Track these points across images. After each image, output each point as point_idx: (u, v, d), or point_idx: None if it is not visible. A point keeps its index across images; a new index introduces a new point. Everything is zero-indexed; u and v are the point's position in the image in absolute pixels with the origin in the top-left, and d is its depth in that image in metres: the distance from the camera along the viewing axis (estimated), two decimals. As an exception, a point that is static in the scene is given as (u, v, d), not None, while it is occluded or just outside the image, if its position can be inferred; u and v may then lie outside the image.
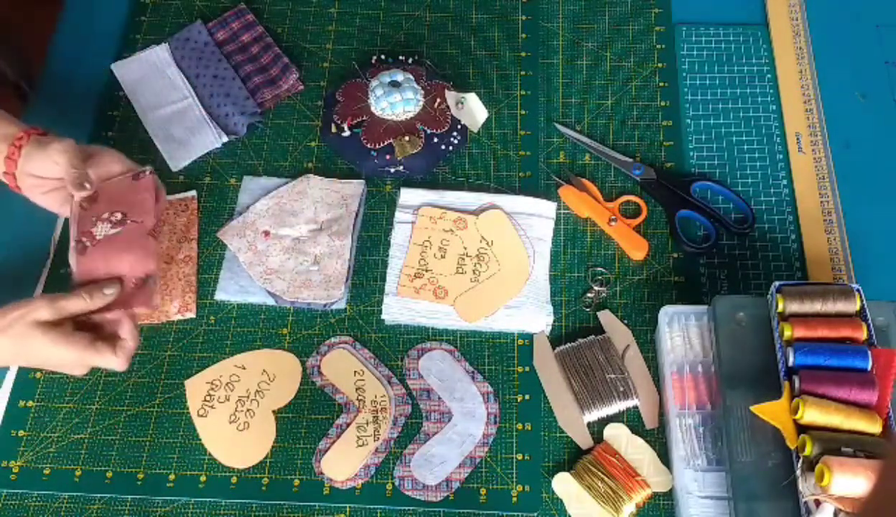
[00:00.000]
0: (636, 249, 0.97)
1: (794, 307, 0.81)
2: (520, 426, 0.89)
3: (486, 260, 0.96)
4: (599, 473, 0.84)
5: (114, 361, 0.82)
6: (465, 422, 0.88)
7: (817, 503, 0.72)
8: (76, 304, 0.81)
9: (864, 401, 0.75)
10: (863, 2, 1.13)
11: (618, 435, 0.87)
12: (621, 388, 0.88)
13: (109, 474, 0.87)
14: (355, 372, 0.91)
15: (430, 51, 1.11)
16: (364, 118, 1.03)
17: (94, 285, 0.83)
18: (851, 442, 0.73)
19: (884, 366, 0.77)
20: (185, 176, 1.03)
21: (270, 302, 0.95)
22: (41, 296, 0.82)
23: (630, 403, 0.88)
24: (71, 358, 0.80)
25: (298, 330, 0.94)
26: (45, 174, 0.88)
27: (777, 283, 0.82)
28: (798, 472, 0.74)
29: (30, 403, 0.91)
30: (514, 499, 0.85)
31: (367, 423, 0.88)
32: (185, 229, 0.99)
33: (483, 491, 0.86)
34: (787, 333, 0.79)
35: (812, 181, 1.01)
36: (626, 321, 0.93)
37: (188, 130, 1.05)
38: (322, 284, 0.94)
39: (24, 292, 0.96)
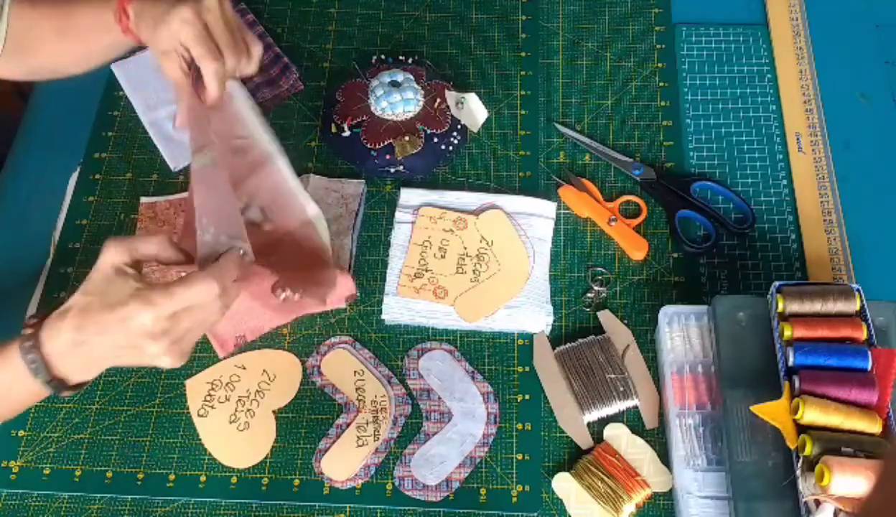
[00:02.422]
0: (636, 249, 0.97)
1: (794, 307, 0.81)
2: (520, 426, 0.89)
3: (486, 260, 0.96)
4: (599, 473, 0.84)
5: (207, 285, 0.67)
6: (465, 422, 0.88)
7: (817, 503, 0.72)
8: (147, 246, 0.70)
9: (864, 402, 0.76)
10: (863, 2, 1.13)
11: (618, 435, 0.87)
12: (621, 388, 0.88)
13: (109, 474, 0.87)
14: (355, 372, 0.91)
15: (430, 51, 1.11)
16: (364, 118, 1.03)
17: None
18: (851, 442, 0.73)
19: (884, 366, 0.77)
20: (185, 176, 1.03)
21: (270, 302, 0.95)
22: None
23: (630, 403, 0.88)
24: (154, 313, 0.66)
25: (298, 330, 0.94)
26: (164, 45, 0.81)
27: (777, 283, 0.82)
28: (798, 472, 0.74)
29: (30, 403, 0.91)
30: (515, 499, 0.85)
31: (367, 423, 0.88)
32: (185, 229, 0.99)
33: (483, 491, 0.86)
34: (787, 333, 0.79)
35: (812, 181, 1.01)
36: (626, 321, 0.93)
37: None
38: (322, 284, 0.94)
39: (24, 292, 0.96)
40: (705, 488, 0.82)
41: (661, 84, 1.08)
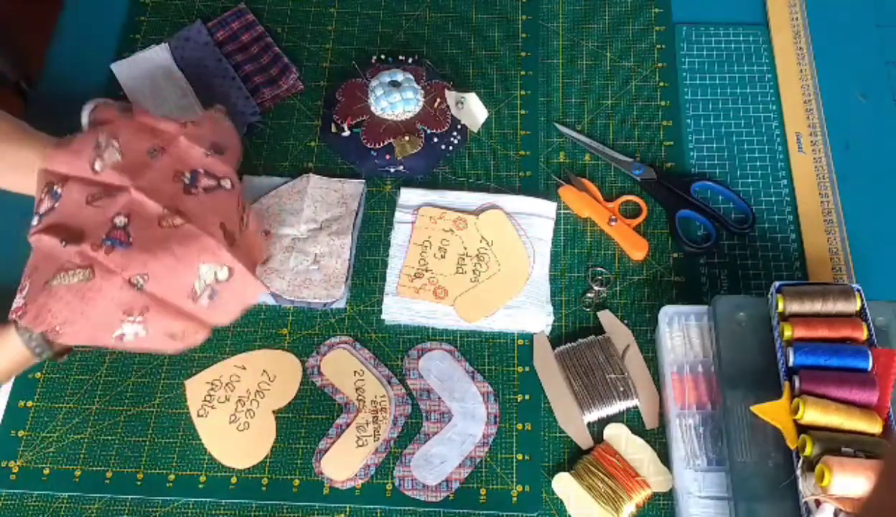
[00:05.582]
0: (636, 249, 0.96)
1: (795, 307, 0.81)
2: (520, 426, 0.89)
3: (486, 260, 0.96)
4: (599, 473, 0.84)
5: None
6: (465, 422, 0.88)
7: (817, 503, 0.72)
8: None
9: (865, 402, 0.75)
10: (863, 2, 1.13)
11: (618, 435, 0.87)
12: (621, 388, 0.88)
13: (109, 474, 0.87)
14: (355, 372, 0.91)
15: (430, 51, 1.11)
16: (364, 118, 1.02)
17: None
18: (851, 442, 0.73)
19: (884, 366, 0.77)
20: (185, 176, 1.03)
21: (270, 301, 0.95)
22: None
23: (630, 403, 0.88)
24: None
25: (298, 330, 0.94)
26: None
27: (777, 283, 0.82)
28: (798, 472, 0.74)
29: (30, 403, 0.91)
30: (514, 500, 0.85)
31: (367, 423, 0.88)
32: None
33: (483, 491, 0.86)
34: (788, 333, 0.79)
35: (812, 181, 1.01)
36: (626, 321, 0.93)
37: (188, 130, 1.04)
38: (322, 283, 0.94)
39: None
40: (705, 488, 0.82)
41: (662, 84, 1.08)
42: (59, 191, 0.82)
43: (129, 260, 0.77)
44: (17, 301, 0.79)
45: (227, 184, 0.85)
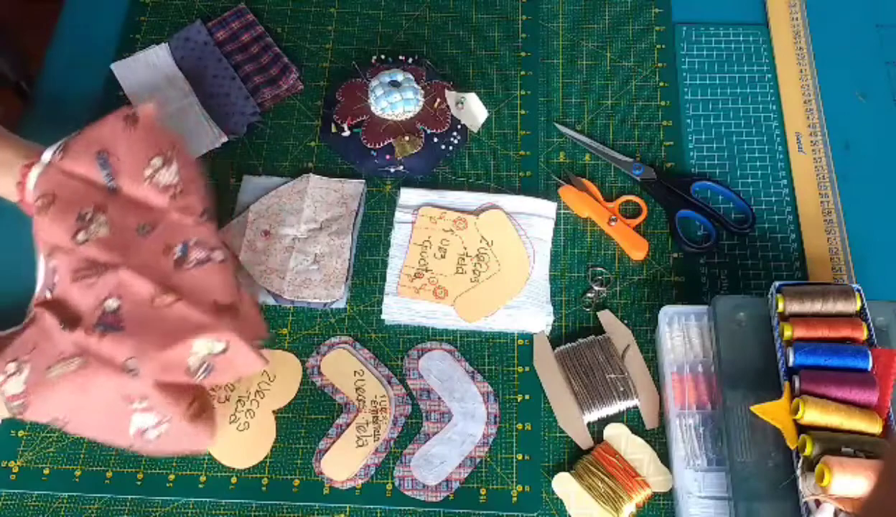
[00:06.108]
0: (636, 249, 0.97)
1: (795, 307, 0.81)
2: (520, 426, 0.89)
3: (486, 260, 0.96)
4: (599, 473, 0.84)
5: None
6: (465, 422, 0.88)
7: (817, 503, 0.72)
8: None
9: (865, 402, 0.75)
10: (863, 2, 1.13)
11: (618, 435, 0.87)
12: (621, 388, 0.88)
13: (109, 474, 0.87)
14: (355, 372, 0.91)
15: (430, 51, 1.11)
16: (364, 118, 1.02)
17: None
18: (851, 442, 0.73)
19: (884, 366, 0.77)
20: (185, 176, 1.03)
21: (271, 301, 0.95)
22: None
23: (630, 403, 0.88)
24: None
25: (298, 330, 0.94)
26: None
27: (777, 283, 0.82)
28: (798, 472, 0.74)
29: (29, 403, 0.91)
30: (514, 500, 0.85)
31: (367, 423, 0.88)
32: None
33: (483, 491, 0.86)
34: (788, 333, 0.79)
35: (812, 181, 1.01)
36: (626, 321, 0.93)
37: (188, 130, 1.04)
38: (322, 283, 0.94)
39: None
40: (705, 488, 0.82)
41: (661, 83, 1.08)
42: (54, 262, 0.80)
43: (122, 344, 0.75)
44: (16, 386, 0.77)
45: (217, 256, 0.80)
